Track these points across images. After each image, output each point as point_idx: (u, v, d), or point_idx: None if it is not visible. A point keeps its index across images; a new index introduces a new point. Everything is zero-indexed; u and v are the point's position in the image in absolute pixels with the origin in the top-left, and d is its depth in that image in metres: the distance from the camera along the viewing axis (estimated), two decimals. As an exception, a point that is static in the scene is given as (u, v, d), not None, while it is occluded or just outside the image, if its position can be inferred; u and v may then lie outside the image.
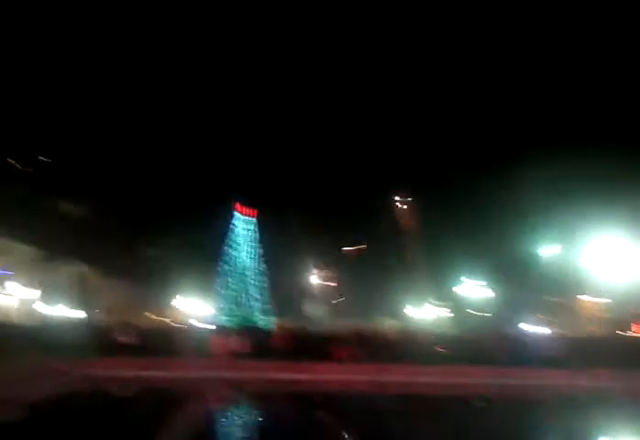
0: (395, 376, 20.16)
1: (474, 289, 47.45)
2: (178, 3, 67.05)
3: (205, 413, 15.28)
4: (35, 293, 44.60)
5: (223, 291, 43.09)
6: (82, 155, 56.88)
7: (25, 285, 43.45)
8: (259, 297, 43.07)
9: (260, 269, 44.44)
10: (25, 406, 14.04)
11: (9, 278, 41.59)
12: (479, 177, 48.67)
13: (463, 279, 47.81)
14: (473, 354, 21.53)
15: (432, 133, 59.15)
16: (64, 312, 42.69)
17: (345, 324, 26.70)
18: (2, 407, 13.99)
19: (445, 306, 53.48)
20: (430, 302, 55.14)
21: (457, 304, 51.14)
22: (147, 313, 54.00)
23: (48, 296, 44.70)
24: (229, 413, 15.25)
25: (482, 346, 22.47)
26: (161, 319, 52.73)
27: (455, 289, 49.74)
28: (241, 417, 14.84)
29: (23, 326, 28.36)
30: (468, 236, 47.93)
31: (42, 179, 48.92)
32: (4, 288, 41.67)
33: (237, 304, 42.25)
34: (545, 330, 36.68)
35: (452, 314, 51.69)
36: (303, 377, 20.06)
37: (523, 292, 45.16)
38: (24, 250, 44.49)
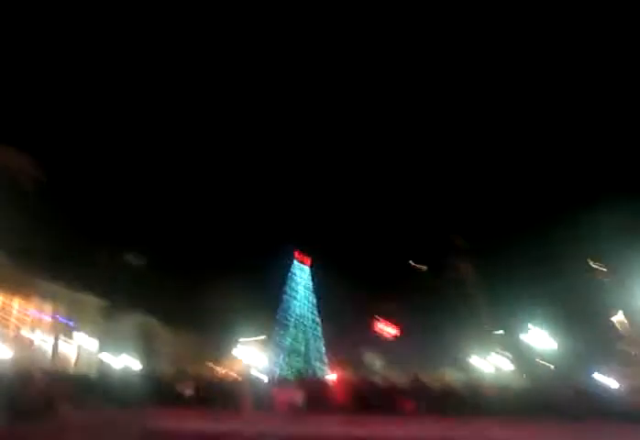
0: (462, 431, 19.20)
1: (542, 338, 45.46)
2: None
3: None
4: (99, 343, 45.57)
5: (281, 341, 42.77)
6: (145, 207, 59.00)
7: (89, 335, 44.51)
8: (316, 347, 42.47)
9: (317, 317, 43.98)
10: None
11: (74, 328, 42.79)
12: (546, 223, 47.91)
13: (530, 327, 46.02)
14: (543, 407, 20.32)
15: (497, 182, 59.16)
16: (127, 361, 43.33)
17: (405, 375, 25.91)
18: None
19: (511, 356, 51.43)
20: (496, 352, 53.20)
21: (524, 354, 49.09)
22: (208, 364, 54.15)
23: (112, 346, 45.56)
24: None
25: (553, 398, 21.21)
26: (222, 370, 52.72)
27: (522, 338, 47.83)
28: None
29: (86, 376, 28.83)
30: (536, 284, 46.60)
31: (105, 231, 50.81)
32: (69, 338, 42.83)
33: (296, 354, 41.72)
34: (620, 382, 34.50)
35: (519, 364, 49.54)
36: (363, 432, 19.37)
37: (594, 341, 43.04)
38: (90, 301, 45.85)
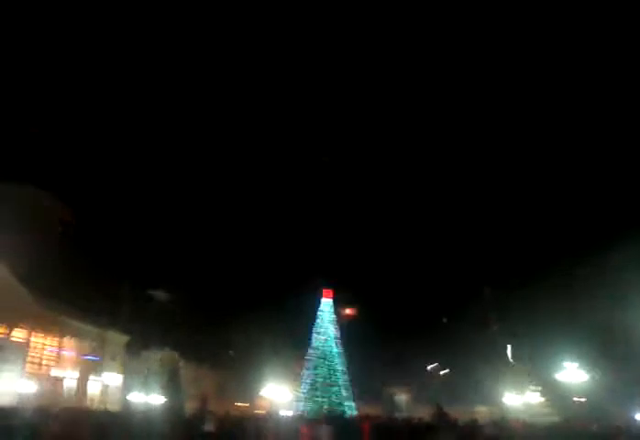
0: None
1: (577, 374, 43.95)
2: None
3: None
4: (123, 379, 45.48)
5: (307, 378, 42.17)
6: (171, 245, 59.58)
7: (113, 371, 44.48)
8: (342, 383, 41.73)
9: (342, 353, 43.40)
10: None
11: (99, 364, 42.85)
12: (576, 258, 47.46)
13: (565, 364, 44.67)
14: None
15: (526, 219, 59.32)
16: (152, 398, 43.03)
17: (431, 412, 25.13)
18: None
19: (545, 393, 49.94)
20: (528, 389, 51.80)
21: (558, 391, 47.60)
22: (233, 401, 53.52)
23: (137, 383, 45.39)
24: None
25: (587, 435, 20.30)
26: (247, 407, 52.06)
27: (556, 375, 46.39)
28: None
29: (109, 412, 28.65)
30: (569, 320, 45.74)
31: (130, 269, 51.40)
32: (93, 374, 42.84)
33: (322, 391, 41.03)
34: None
35: (553, 402, 48.01)
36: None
37: (631, 378, 41.65)
38: (114, 338, 45.96)
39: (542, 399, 49.79)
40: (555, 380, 44.59)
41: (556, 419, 33.35)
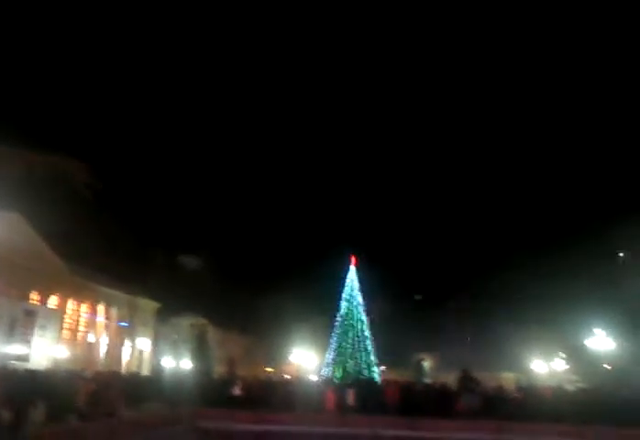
0: (517, 435, 18.45)
1: (605, 342, 43.55)
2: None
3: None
4: (153, 344, 46.54)
5: (334, 344, 42.53)
6: (200, 212, 60.08)
7: (144, 336, 45.52)
8: (367, 349, 42.01)
9: (367, 319, 43.53)
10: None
11: (129, 329, 43.86)
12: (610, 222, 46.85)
13: (595, 331, 44.23)
14: (607, 412, 19.17)
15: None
16: (180, 363, 44.02)
17: (458, 377, 25.23)
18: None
19: (571, 360, 49.78)
20: (557, 356, 51.70)
21: (585, 358, 47.33)
22: (261, 366, 54.51)
23: (166, 348, 46.43)
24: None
25: (613, 403, 20.05)
26: (274, 372, 52.96)
27: (585, 342, 46.02)
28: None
29: (139, 376, 29.44)
30: (598, 287, 45.24)
31: (160, 236, 51.95)
32: (124, 339, 43.91)
33: (347, 357, 41.40)
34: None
35: (580, 369, 47.84)
36: (415, 434, 18.92)
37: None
38: (144, 304, 46.87)
39: (567, 366, 49.71)
40: (582, 347, 44.35)
41: (583, 386, 33.18)
